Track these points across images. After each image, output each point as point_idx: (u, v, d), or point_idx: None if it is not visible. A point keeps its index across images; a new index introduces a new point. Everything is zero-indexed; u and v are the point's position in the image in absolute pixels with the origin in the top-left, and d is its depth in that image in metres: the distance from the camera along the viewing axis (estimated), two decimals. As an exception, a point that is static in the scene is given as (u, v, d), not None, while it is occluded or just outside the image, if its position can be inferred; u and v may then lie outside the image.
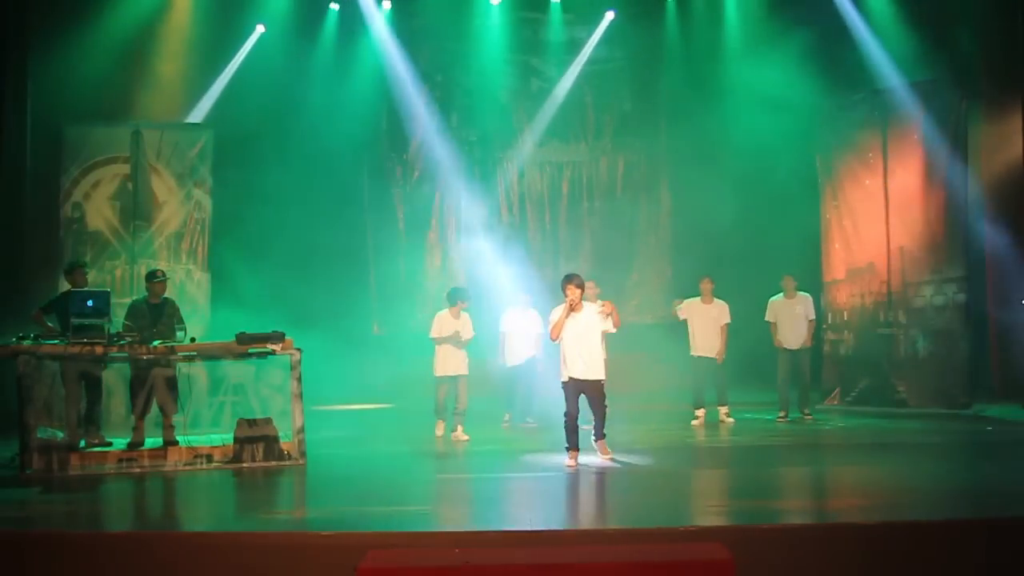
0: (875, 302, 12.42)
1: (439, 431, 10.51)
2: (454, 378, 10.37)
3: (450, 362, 10.37)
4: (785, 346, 11.54)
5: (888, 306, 12.27)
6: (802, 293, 11.62)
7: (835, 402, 12.57)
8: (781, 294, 11.63)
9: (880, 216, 12.35)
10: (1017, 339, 12.48)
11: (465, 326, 10.43)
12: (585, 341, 8.34)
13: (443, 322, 10.39)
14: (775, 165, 13.10)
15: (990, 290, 13.00)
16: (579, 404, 8.45)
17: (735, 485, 7.73)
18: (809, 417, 11.45)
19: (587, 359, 8.34)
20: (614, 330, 8.48)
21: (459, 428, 10.26)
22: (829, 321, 12.93)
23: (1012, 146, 12.61)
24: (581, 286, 8.37)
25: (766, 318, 11.64)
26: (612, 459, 8.45)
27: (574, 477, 7.89)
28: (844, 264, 12.83)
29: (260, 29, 13.79)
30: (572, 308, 8.31)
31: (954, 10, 12.56)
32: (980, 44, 12.65)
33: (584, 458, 8.44)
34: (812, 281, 12.96)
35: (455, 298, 10.47)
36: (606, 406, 8.56)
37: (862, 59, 13.22)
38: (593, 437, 8.66)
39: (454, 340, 10.32)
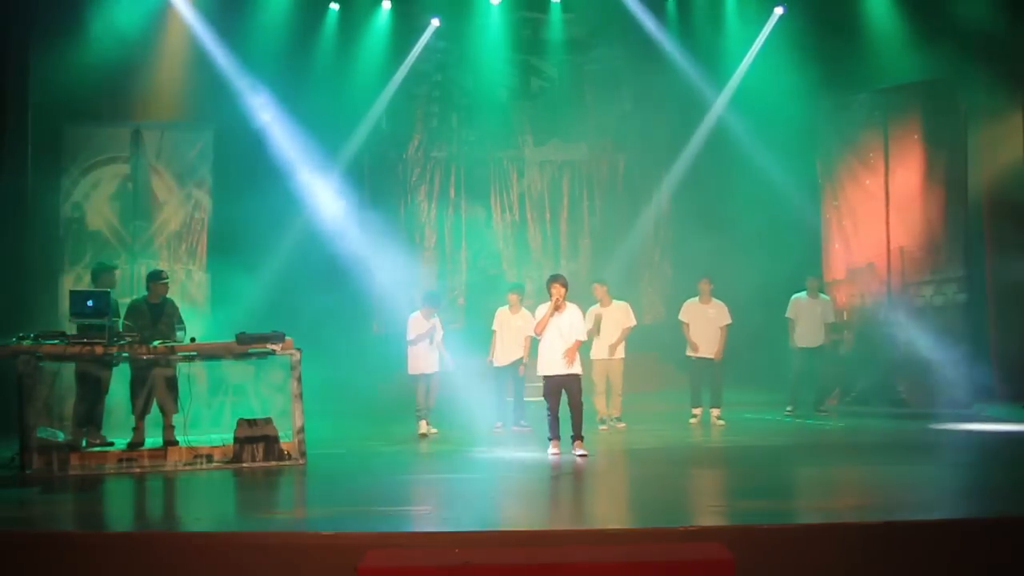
0: (875, 302, 12.42)
1: (422, 429, 10.78)
2: (428, 376, 10.80)
3: (422, 360, 10.80)
4: (800, 345, 11.75)
5: (888, 306, 12.27)
6: (823, 296, 11.97)
7: (835, 402, 12.58)
8: (804, 292, 11.90)
9: (880, 216, 12.35)
10: (1017, 339, 12.47)
11: (436, 328, 10.89)
12: (561, 341, 8.77)
13: (416, 323, 10.82)
14: (775, 165, 13.10)
15: (990, 290, 13.00)
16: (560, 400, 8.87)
17: (735, 485, 7.73)
18: (824, 413, 11.69)
19: (560, 357, 8.75)
20: (584, 337, 9.07)
21: (424, 422, 10.79)
22: (829, 321, 12.92)
23: (1012, 146, 12.60)
24: (565, 286, 8.86)
25: (787, 315, 11.94)
26: (585, 456, 8.63)
27: (573, 478, 7.90)
28: (844, 264, 12.84)
29: (266, 27, 13.76)
30: (556, 308, 8.73)
31: (954, 10, 12.55)
32: (980, 44, 12.64)
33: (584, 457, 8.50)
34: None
35: (427, 301, 11.03)
36: (583, 403, 8.89)
37: (862, 59, 13.23)
38: (572, 435, 8.81)
39: (427, 340, 10.77)
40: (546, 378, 8.85)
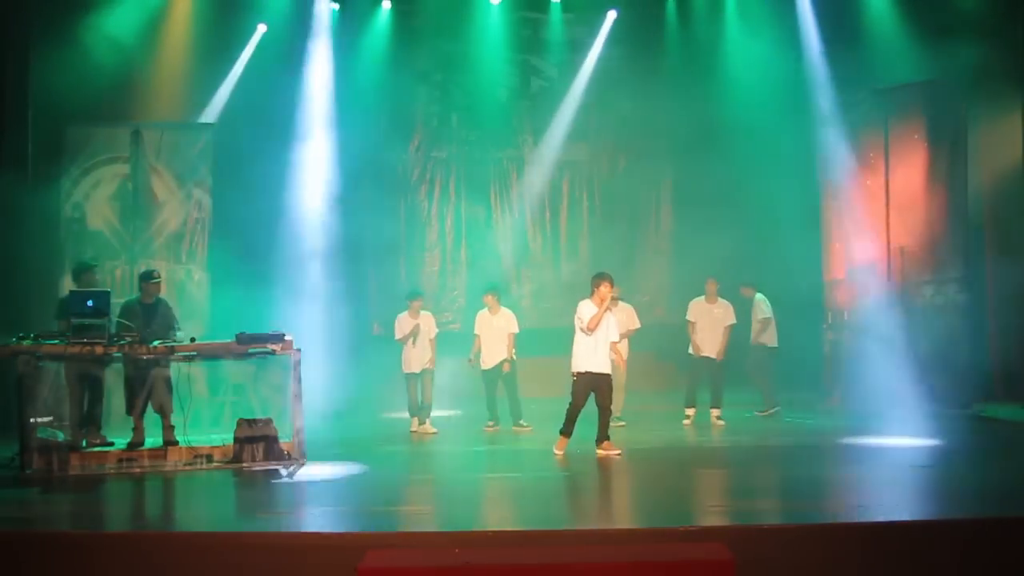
0: (875, 302, 12.40)
1: (414, 427, 10.86)
2: (419, 374, 10.87)
3: (414, 359, 10.86)
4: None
5: (888, 306, 12.25)
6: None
7: (835, 402, 12.55)
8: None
9: (881, 216, 12.34)
10: (1017, 339, 12.47)
11: (427, 323, 10.93)
12: (603, 339, 8.84)
13: (403, 323, 10.93)
14: (776, 164, 13.09)
15: (990, 290, 12.99)
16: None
17: (735, 485, 7.73)
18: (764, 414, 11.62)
19: (601, 355, 8.81)
20: (617, 338, 9.14)
21: (427, 422, 10.81)
22: (829, 321, 12.92)
23: (1012, 146, 12.60)
24: (614, 284, 8.93)
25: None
26: (619, 454, 8.71)
27: (574, 477, 7.90)
28: (844, 264, 12.82)
29: (261, 28, 13.77)
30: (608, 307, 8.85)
31: (955, 10, 12.56)
32: (980, 44, 12.65)
33: (584, 456, 8.50)
34: (812, 281, 12.95)
35: (409, 298, 11.09)
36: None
37: (862, 59, 13.23)
38: (597, 440, 8.82)
39: (417, 338, 10.82)
40: (581, 375, 8.76)
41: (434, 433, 10.67)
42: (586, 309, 8.81)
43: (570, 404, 8.83)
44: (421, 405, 10.86)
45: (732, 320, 11.36)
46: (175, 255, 12.27)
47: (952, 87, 11.94)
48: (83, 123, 12.28)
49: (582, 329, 8.77)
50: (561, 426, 8.86)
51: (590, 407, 8.89)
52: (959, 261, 11.71)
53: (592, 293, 8.84)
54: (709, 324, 11.34)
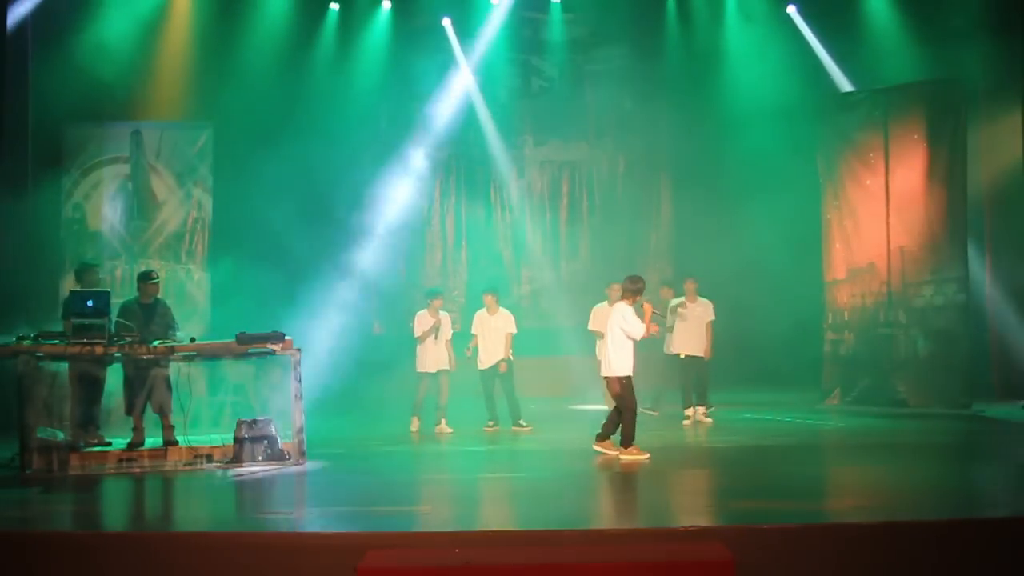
0: (875, 302, 12.41)
1: (414, 426, 10.84)
2: (435, 374, 10.82)
3: (430, 359, 10.82)
4: None
5: (888, 306, 12.26)
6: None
7: (835, 402, 12.55)
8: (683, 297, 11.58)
9: (881, 216, 12.34)
10: (1017, 339, 12.49)
11: (444, 323, 10.89)
12: (633, 341, 8.78)
13: (422, 320, 10.88)
14: (776, 165, 13.10)
15: (990, 290, 13.01)
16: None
17: (735, 485, 7.72)
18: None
19: (634, 358, 8.77)
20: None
21: (442, 422, 10.79)
22: (830, 321, 12.92)
23: (1012, 146, 12.61)
24: None
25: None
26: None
27: (575, 477, 7.90)
28: (845, 264, 12.81)
29: (261, 28, 13.77)
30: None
31: (954, 10, 12.57)
32: (980, 44, 12.67)
33: (585, 456, 8.50)
34: (813, 281, 12.94)
35: (429, 296, 11.11)
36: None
37: (862, 59, 13.22)
38: (598, 434, 8.77)
39: (435, 337, 10.78)
40: (627, 378, 8.68)
41: (451, 432, 10.63)
42: (631, 313, 8.63)
43: (627, 410, 8.59)
44: (436, 406, 10.81)
45: (711, 317, 11.35)
46: (175, 255, 12.28)
47: (952, 87, 11.94)
48: (83, 123, 12.30)
49: (628, 333, 8.57)
50: (620, 438, 8.59)
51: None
52: (959, 261, 11.70)
53: (624, 295, 8.72)
54: (689, 322, 11.29)
